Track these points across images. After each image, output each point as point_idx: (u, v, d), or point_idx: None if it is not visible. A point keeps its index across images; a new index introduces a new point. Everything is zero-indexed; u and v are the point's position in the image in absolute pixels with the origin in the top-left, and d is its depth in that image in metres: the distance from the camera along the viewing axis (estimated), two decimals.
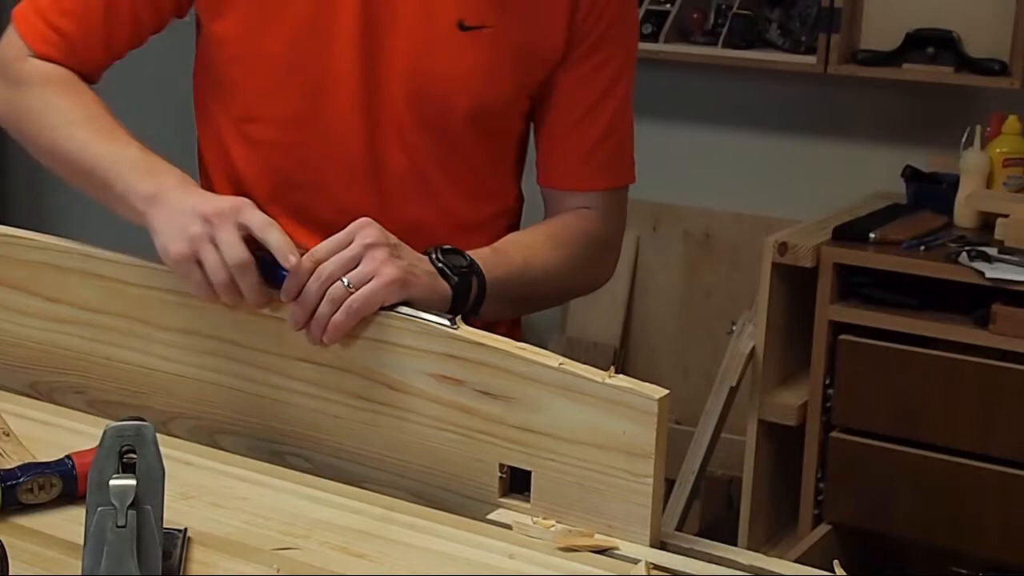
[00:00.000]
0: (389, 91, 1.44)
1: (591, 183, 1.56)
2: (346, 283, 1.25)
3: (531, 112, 1.54)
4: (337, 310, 1.25)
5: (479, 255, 1.36)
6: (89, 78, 1.49)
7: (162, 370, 1.40)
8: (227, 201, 1.30)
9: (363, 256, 1.26)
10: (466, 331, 1.23)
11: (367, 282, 1.25)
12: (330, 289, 1.25)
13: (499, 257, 1.40)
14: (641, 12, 3.39)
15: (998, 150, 2.92)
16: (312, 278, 1.26)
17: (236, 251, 1.26)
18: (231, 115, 1.49)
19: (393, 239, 1.29)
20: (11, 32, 1.49)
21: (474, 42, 1.43)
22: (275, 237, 1.27)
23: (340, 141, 1.45)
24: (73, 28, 1.46)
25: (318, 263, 1.26)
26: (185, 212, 1.29)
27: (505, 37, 1.44)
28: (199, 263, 1.27)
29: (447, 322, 1.24)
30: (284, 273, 1.27)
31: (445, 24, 1.42)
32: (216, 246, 1.26)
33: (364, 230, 1.28)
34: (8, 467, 1.18)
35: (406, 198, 1.47)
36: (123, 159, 1.38)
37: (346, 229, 1.28)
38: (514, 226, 1.61)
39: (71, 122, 1.42)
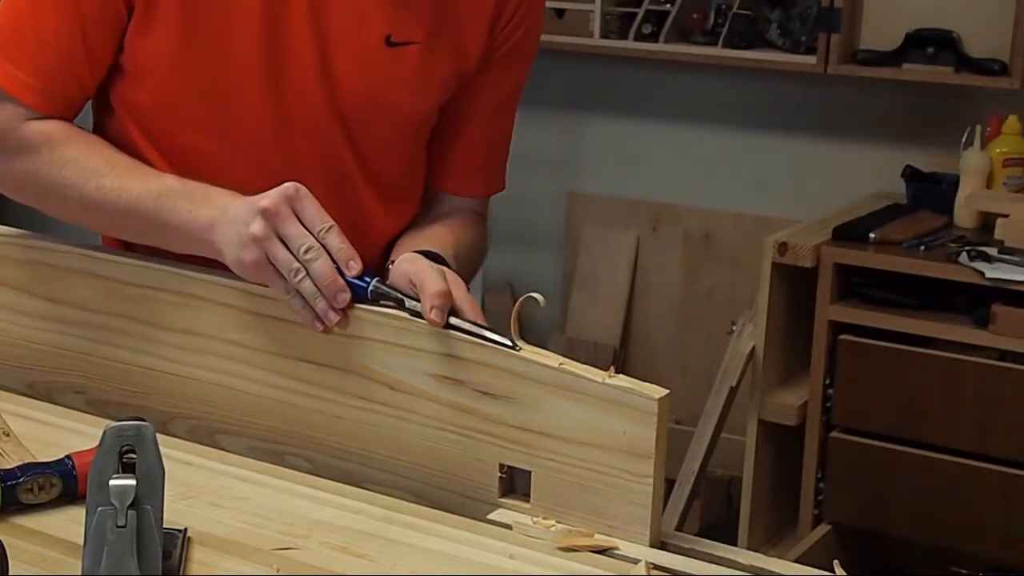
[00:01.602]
0: (312, 102, 1.42)
1: (485, 190, 1.60)
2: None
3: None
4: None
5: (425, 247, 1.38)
6: (74, 115, 1.45)
7: (162, 370, 1.40)
8: (279, 191, 1.26)
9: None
10: (525, 349, 1.21)
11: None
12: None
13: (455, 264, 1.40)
14: (641, 12, 3.39)
15: (998, 150, 2.92)
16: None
17: (303, 241, 1.24)
18: (145, 128, 1.45)
19: None
20: None
21: (400, 58, 1.43)
22: (334, 240, 1.26)
23: (254, 149, 1.43)
24: (55, 70, 1.41)
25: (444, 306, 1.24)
26: (240, 218, 1.27)
27: (430, 53, 1.44)
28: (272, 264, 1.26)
29: (509, 343, 1.21)
30: (349, 279, 1.26)
31: (374, 39, 1.42)
32: (283, 241, 1.25)
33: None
34: (8, 467, 1.18)
35: (325, 205, 1.37)
36: (166, 194, 1.35)
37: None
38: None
39: (93, 173, 1.38)
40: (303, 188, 1.27)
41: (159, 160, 1.44)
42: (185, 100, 1.42)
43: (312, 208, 1.26)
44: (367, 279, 1.26)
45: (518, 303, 1.24)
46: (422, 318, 1.23)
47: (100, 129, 1.50)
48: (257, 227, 1.25)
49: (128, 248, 1.50)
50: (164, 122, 1.44)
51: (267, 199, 1.26)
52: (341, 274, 1.26)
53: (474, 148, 1.57)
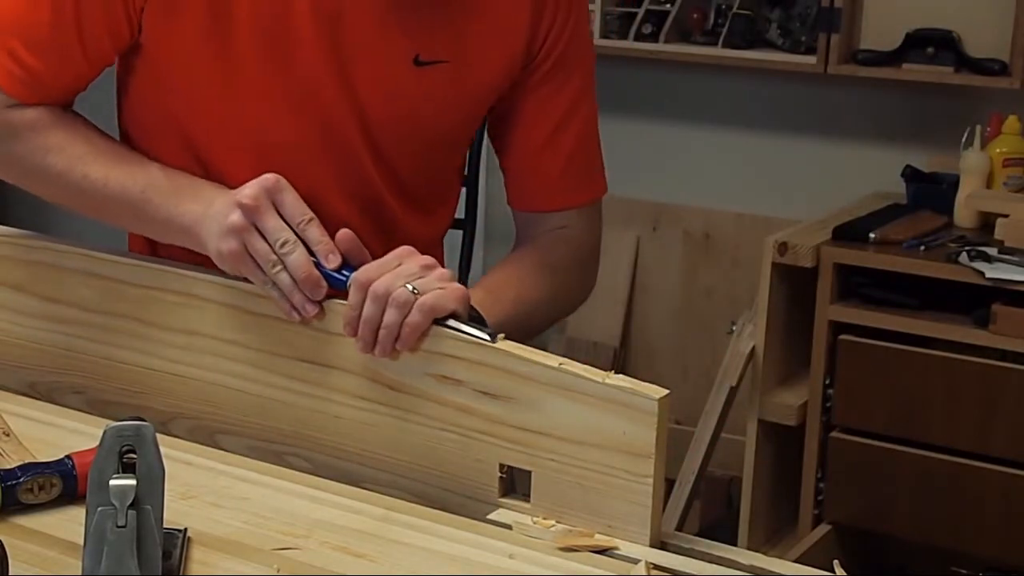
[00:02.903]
0: (343, 119, 1.41)
1: (566, 202, 1.54)
2: (411, 288, 1.23)
3: (489, 138, 1.55)
4: (407, 315, 1.23)
5: (475, 299, 1.33)
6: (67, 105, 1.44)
7: (162, 370, 1.40)
8: (257, 183, 1.27)
9: (421, 274, 1.24)
10: (503, 344, 1.22)
11: (432, 290, 1.23)
12: (395, 294, 1.22)
13: (494, 298, 1.38)
14: (641, 12, 3.39)
15: (998, 150, 2.92)
16: (370, 292, 1.23)
17: (280, 234, 1.25)
18: (185, 147, 1.43)
19: None
20: None
21: (428, 77, 1.42)
22: (313, 233, 1.26)
23: (277, 167, 1.39)
24: (44, 62, 1.39)
25: (368, 283, 1.24)
26: (222, 210, 1.28)
27: (460, 72, 1.43)
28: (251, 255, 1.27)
29: (488, 337, 1.22)
30: (328, 272, 1.27)
31: (401, 59, 1.40)
32: (261, 233, 1.26)
33: (413, 255, 1.27)
34: (8, 467, 1.18)
35: (352, 219, 1.40)
36: (152, 187, 1.36)
37: (391, 253, 1.27)
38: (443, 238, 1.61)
39: (79, 160, 1.38)
40: (283, 180, 1.28)
41: (189, 163, 1.42)
42: (209, 105, 1.41)
43: (291, 200, 1.27)
44: (346, 272, 1.27)
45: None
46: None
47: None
48: (235, 218, 1.26)
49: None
50: (196, 130, 1.43)
51: (246, 191, 1.27)
52: (321, 267, 1.26)
53: (550, 162, 1.52)
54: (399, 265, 1.26)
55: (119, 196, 1.37)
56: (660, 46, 3.36)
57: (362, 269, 1.26)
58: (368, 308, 1.24)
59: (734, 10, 3.30)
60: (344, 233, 1.29)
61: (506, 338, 1.23)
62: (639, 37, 3.38)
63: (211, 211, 1.30)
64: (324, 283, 1.27)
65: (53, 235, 1.48)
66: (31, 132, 1.41)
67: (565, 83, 1.50)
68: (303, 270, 1.26)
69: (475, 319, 1.28)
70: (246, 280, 1.31)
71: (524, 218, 1.55)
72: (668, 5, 3.38)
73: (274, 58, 1.37)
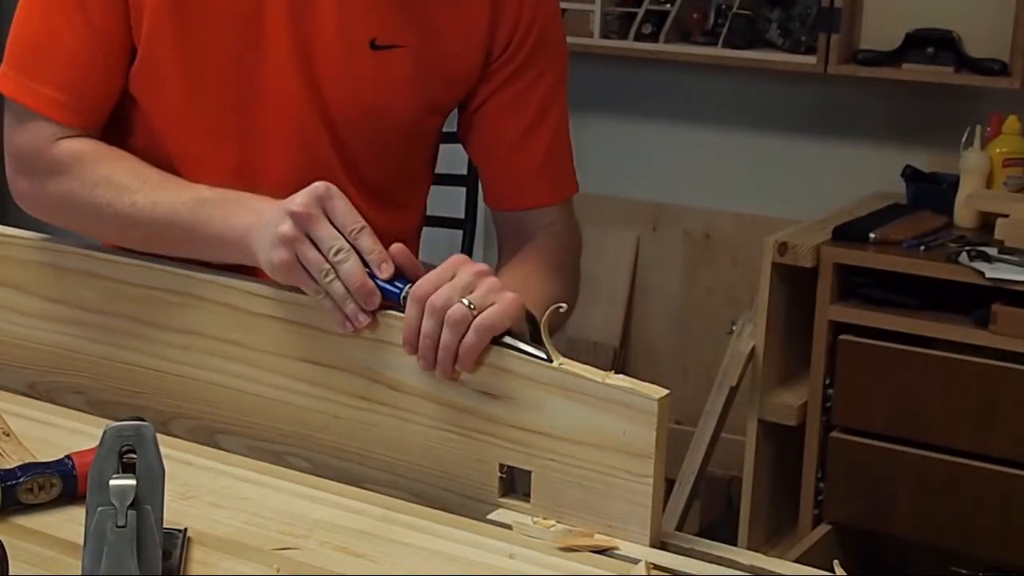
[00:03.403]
0: (293, 104, 1.42)
1: (544, 199, 1.54)
2: (467, 303, 1.20)
3: (460, 137, 1.54)
4: (465, 333, 1.20)
5: None
6: (101, 125, 1.45)
7: (162, 370, 1.40)
8: (308, 192, 1.25)
9: (476, 283, 1.22)
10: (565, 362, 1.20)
11: (489, 305, 1.20)
12: (451, 311, 1.19)
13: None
14: (641, 12, 3.39)
15: (998, 150, 2.92)
16: (428, 306, 1.20)
17: (334, 242, 1.23)
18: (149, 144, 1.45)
19: None
20: (17, 114, 1.43)
21: (385, 62, 1.42)
22: (366, 242, 1.24)
23: (234, 152, 1.43)
24: (76, 76, 1.41)
25: (424, 296, 1.21)
26: (272, 219, 1.26)
27: (419, 57, 1.43)
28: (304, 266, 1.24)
29: (545, 357, 1.20)
30: (381, 283, 1.24)
31: (358, 43, 1.41)
32: (313, 243, 1.24)
33: (467, 263, 1.24)
34: (8, 467, 1.18)
35: None
36: (200, 204, 1.35)
37: (446, 263, 1.24)
38: (418, 238, 1.61)
39: (126, 189, 1.38)
40: (334, 188, 1.26)
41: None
42: (181, 104, 1.43)
43: (343, 208, 1.25)
44: (399, 284, 1.24)
45: (546, 314, 1.21)
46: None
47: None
48: (286, 228, 1.24)
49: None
50: (167, 129, 1.44)
51: (298, 200, 1.25)
52: (373, 277, 1.24)
53: (527, 159, 1.52)
54: (454, 276, 1.23)
55: (169, 218, 1.36)
56: (660, 46, 3.36)
57: (418, 283, 1.23)
58: (427, 324, 1.21)
59: (734, 10, 3.30)
60: (398, 246, 1.27)
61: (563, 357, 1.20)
62: (639, 37, 3.39)
63: (261, 221, 1.28)
64: (378, 292, 1.24)
65: (53, 235, 1.48)
66: (79, 165, 1.41)
67: (538, 80, 1.51)
68: (357, 279, 1.23)
69: (529, 320, 1.26)
70: (253, 284, 1.31)
71: (507, 218, 1.55)
72: (668, 5, 3.38)
73: (243, 51, 1.39)
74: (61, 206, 1.44)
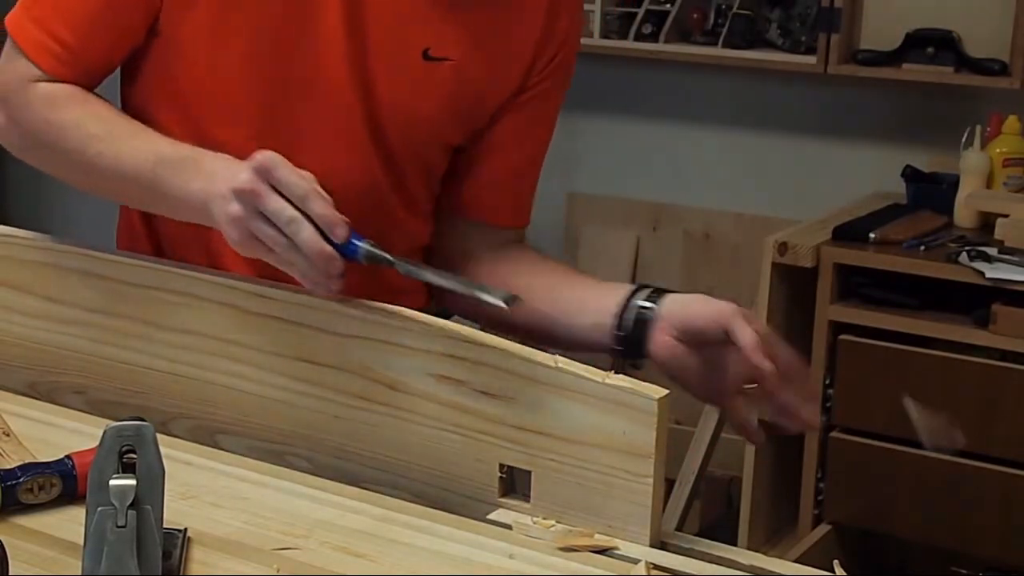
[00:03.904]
0: (351, 105, 1.41)
1: (527, 219, 1.60)
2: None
3: (462, 148, 1.53)
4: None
5: None
6: (93, 86, 1.44)
7: (162, 370, 1.40)
8: (249, 166, 1.23)
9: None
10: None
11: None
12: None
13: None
14: (641, 12, 3.39)
15: (998, 150, 2.92)
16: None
17: (284, 213, 1.21)
18: (189, 126, 1.43)
19: None
20: (10, 51, 1.42)
21: (433, 73, 1.42)
22: (316, 207, 1.22)
23: (284, 149, 1.42)
24: (77, 36, 1.40)
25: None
26: (223, 192, 1.24)
27: (464, 74, 1.43)
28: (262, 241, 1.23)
29: (503, 303, 1.24)
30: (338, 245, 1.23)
31: (412, 50, 1.40)
32: (266, 218, 1.22)
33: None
34: (8, 467, 1.18)
35: (363, 214, 1.36)
36: (160, 163, 1.32)
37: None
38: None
39: (93, 138, 1.37)
40: (276, 156, 1.23)
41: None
42: (221, 90, 1.41)
43: (287, 175, 1.22)
44: (355, 242, 1.24)
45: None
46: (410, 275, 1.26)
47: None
48: (235, 209, 1.23)
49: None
50: (202, 114, 1.43)
51: (241, 176, 1.23)
52: (330, 241, 1.23)
53: (528, 182, 1.56)
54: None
55: (132, 175, 1.34)
56: (660, 46, 3.36)
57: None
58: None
59: (734, 10, 3.30)
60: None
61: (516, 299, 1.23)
62: (639, 37, 3.39)
63: (214, 188, 1.26)
64: (337, 256, 1.23)
65: (53, 235, 1.48)
66: (49, 108, 1.39)
67: (548, 104, 1.52)
68: (314, 248, 1.21)
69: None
70: (253, 284, 1.31)
71: (474, 228, 1.54)
72: (668, 5, 3.38)
73: (290, 38, 1.38)
74: (32, 147, 1.43)
